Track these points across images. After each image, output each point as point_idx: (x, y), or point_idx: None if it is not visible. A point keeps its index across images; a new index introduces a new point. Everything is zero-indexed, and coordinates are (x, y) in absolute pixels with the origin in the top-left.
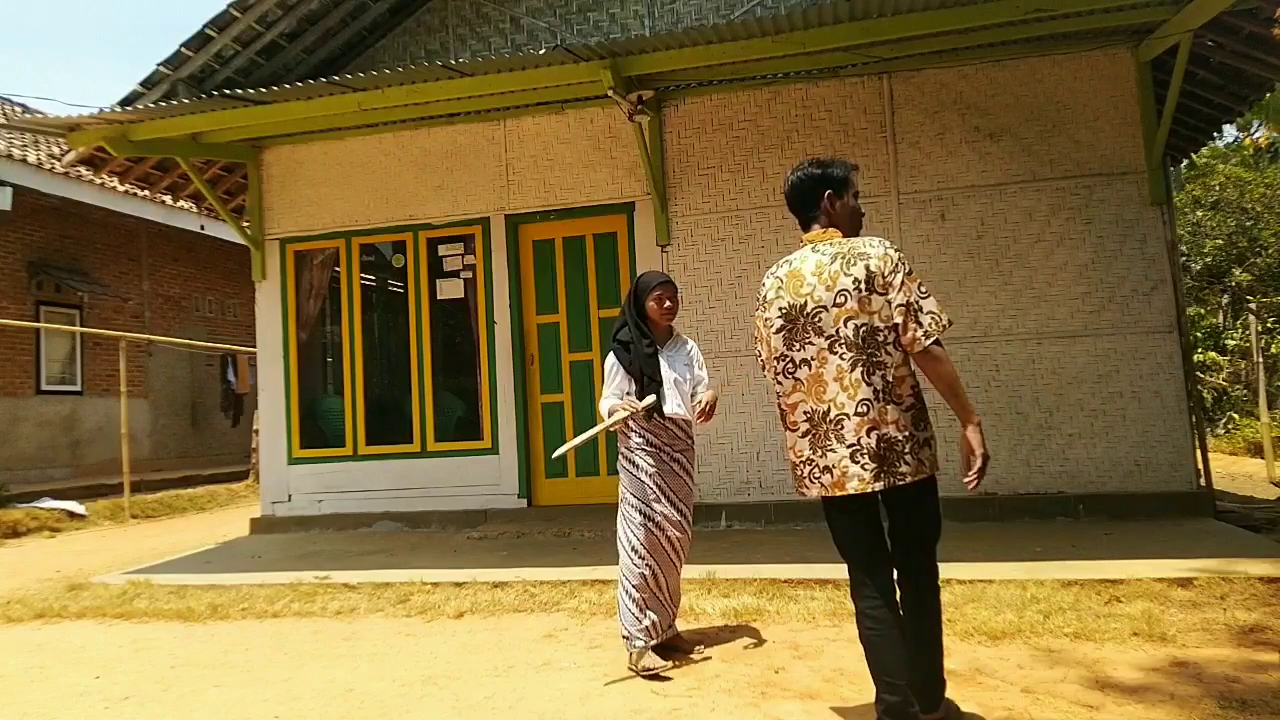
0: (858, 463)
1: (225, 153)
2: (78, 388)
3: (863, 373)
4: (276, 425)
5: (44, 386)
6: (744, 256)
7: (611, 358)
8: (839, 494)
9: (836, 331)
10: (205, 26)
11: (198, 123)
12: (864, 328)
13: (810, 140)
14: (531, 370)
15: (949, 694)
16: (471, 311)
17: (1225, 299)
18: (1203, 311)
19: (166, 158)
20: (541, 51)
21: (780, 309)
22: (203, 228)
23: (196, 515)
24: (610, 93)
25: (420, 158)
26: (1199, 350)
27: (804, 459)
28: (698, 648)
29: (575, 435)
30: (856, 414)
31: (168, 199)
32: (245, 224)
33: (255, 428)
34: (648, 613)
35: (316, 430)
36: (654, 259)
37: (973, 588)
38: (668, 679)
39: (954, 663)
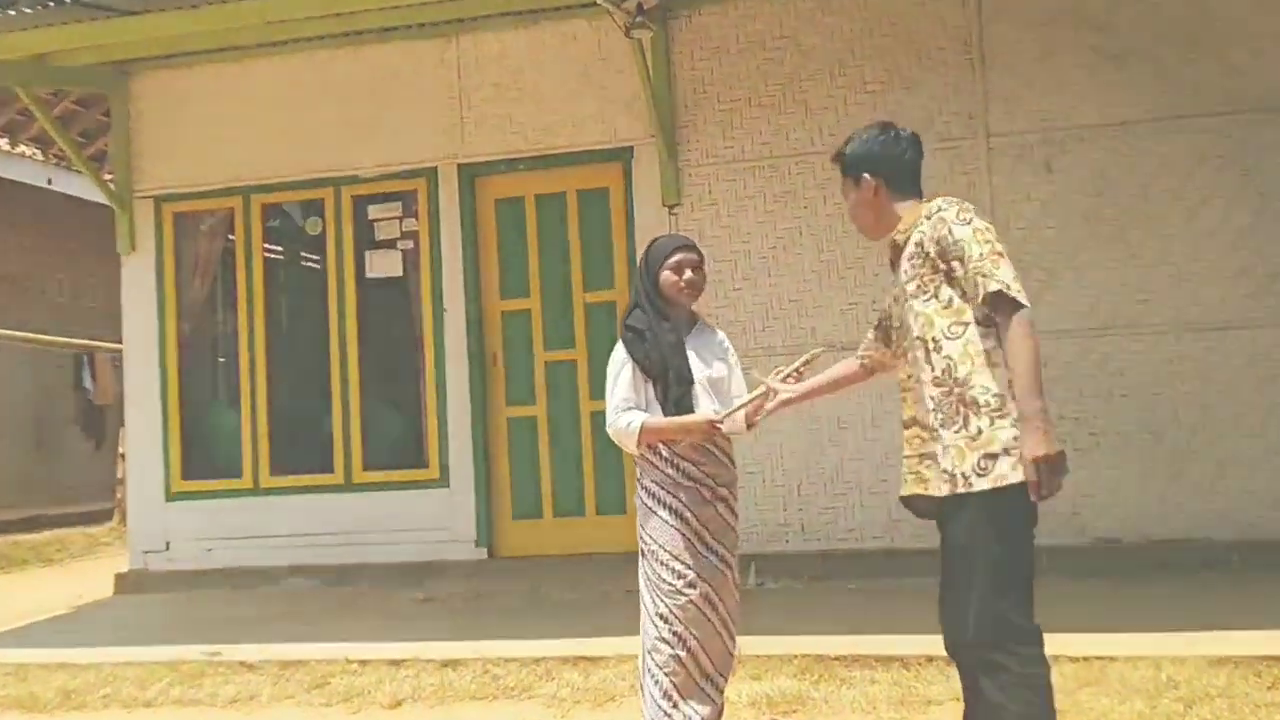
0: None
1: (82, 80)
2: None
3: None
4: (150, 448)
5: None
6: (781, 220)
7: (620, 351)
8: None
9: None
10: None
11: (44, 39)
12: None
13: (871, 64)
14: (494, 373)
15: None
16: (413, 294)
17: None
18: None
19: (1, 87)
20: None
21: None
22: (50, 181)
23: (42, 570)
24: None
25: (344, 87)
26: None
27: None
28: None
29: (563, 452)
30: None
31: (3, 143)
32: (108, 176)
33: (121, 451)
34: (684, 704)
35: (204, 455)
36: (659, 224)
37: (1089, 666)
38: None
39: None
